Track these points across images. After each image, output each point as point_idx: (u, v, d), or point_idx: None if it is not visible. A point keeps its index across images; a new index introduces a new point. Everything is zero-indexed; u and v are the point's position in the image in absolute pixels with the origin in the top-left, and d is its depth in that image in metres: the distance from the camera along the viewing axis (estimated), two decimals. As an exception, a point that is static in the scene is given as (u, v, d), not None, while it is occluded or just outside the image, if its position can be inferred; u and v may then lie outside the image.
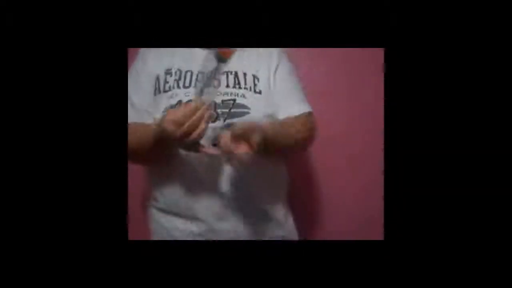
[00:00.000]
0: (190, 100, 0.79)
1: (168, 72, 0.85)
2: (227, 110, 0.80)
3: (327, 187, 1.21)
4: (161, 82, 0.84)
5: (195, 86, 0.82)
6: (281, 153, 0.87)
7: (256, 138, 0.68)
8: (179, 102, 0.81)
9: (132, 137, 0.76)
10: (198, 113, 0.68)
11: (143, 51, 0.88)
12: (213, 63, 0.77)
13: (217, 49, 0.76)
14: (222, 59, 0.76)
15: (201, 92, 0.77)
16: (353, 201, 1.20)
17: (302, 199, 0.98)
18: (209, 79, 0.78)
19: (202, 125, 0.68)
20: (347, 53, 1.19)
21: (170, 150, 0.78)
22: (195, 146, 0.71)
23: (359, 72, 1.20)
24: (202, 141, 0.72)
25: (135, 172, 0.94)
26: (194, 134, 0.68)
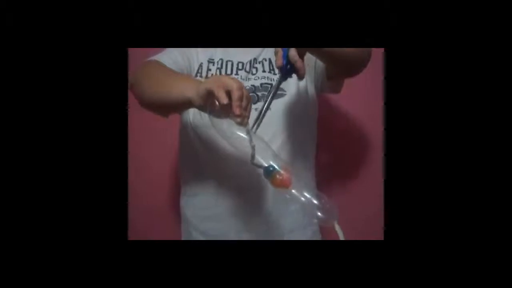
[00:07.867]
0: None
1: (211, 61, 0.92)
2: (266, 93, 0.86)
3: (327, 187, 1.21)
4: (204, 69, 0.92)
5: (237, 73, 0.89)
6: (339, 65, 0.84)
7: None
8: None
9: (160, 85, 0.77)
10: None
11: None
12: None
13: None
14: None
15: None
16: (353, 201, 1.20)
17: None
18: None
19: (250, 107, 0.67)
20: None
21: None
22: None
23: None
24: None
25: (136, 172, 0.94)
26: (244, 111, 0.65)
